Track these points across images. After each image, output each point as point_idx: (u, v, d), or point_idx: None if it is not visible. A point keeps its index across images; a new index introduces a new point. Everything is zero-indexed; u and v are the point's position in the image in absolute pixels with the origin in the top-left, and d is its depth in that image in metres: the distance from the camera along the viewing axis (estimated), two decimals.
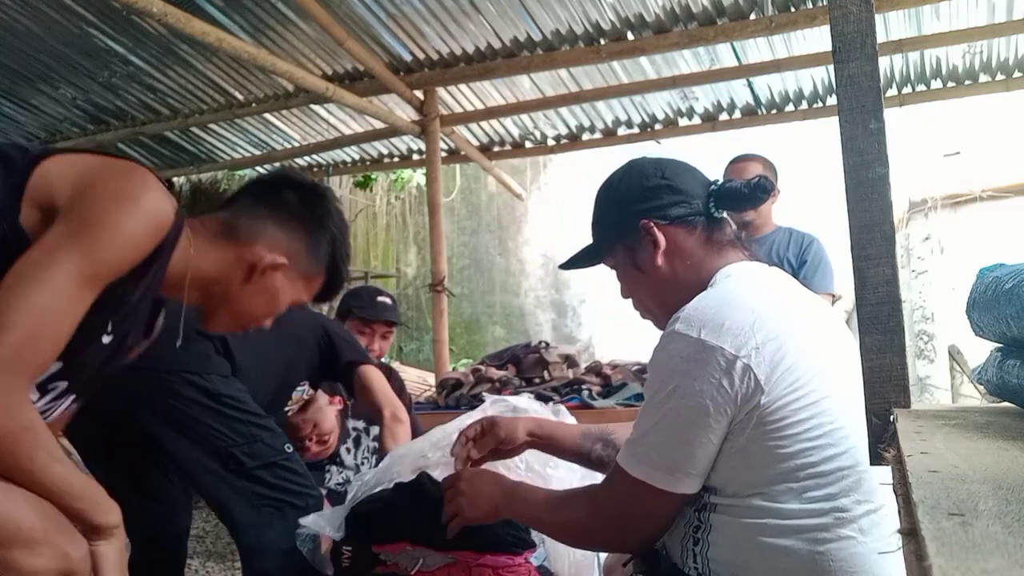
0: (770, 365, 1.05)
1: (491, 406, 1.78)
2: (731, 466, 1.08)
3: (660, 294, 1.28)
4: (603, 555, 1.57)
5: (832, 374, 1.11)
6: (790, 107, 5.01)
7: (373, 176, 7.08)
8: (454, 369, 4.91)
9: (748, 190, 1.25)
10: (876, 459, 0.89)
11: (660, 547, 1.23)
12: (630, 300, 1.36)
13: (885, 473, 1.04)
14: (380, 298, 2.71)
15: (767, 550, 1.06)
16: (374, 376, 2.20)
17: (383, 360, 2.87)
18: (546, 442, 1.53)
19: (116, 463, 1.84)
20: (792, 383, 1.05)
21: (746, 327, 1.06)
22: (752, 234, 2.97)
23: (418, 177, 6.85)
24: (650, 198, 1.26)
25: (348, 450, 2.75)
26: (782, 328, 1.08)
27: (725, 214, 1.30)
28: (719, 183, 1.28)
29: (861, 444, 1.06)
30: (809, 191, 4.67)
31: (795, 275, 2.84)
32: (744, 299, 1.12)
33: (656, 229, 1.24)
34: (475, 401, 3.34)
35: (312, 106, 5.23)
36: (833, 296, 2.96)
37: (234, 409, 1.74)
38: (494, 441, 1.50)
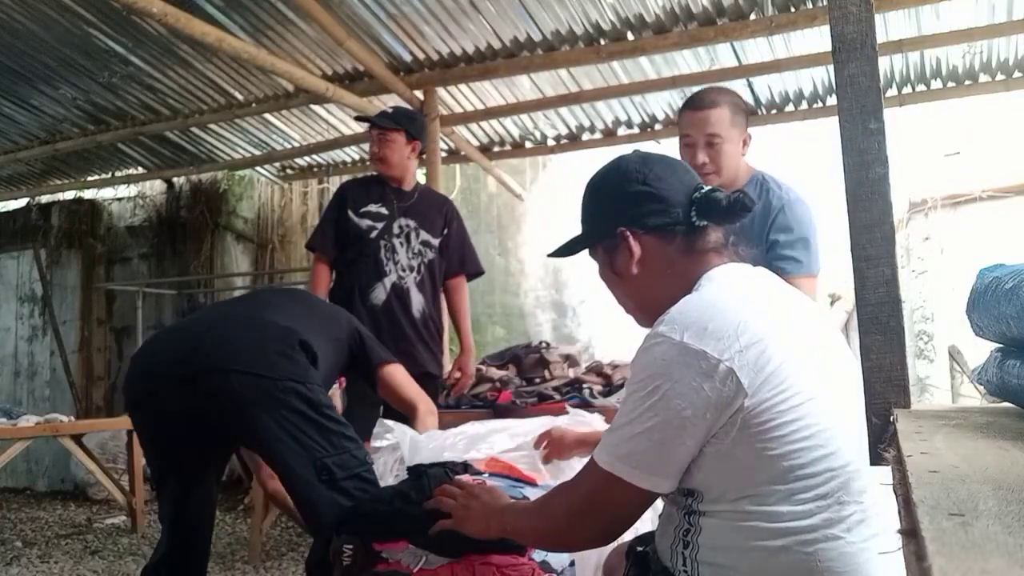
0: (754, 368, 1.04)
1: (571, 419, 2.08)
2: (718, 470, 1.08)
3: (638, 298, 1.29)
4: (606, 551, 1.57)
5: (819, 375, 1.10)
6: (790, 107, 5.01)
7: None
8: None
9: (727, 205, 1.21)
10: (876, 459, 0.89)
11: (650, 551, 1.24)
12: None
13: (875, 473, 1.04)
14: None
15: (757, 552, 1.06)
16: (400, 373, 2.31)
17: None
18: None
19: (188, 454, 1.97)
20: (777, 385, 1.05)
21: (730, 330, 1.05)
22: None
23: (418, 177, 6.84)
24: (629, 206, 1.24)
25: None
26: (767, 330, 1.07)
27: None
28: (702, 192, 1.23)
29: (849, 445, 1.07)
30: (809, 191, 4.66)
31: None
32: (729, 302, 1.12)
33: (632, 238, 1.23)
34: (475, 401, 3.35)
35: (312, 106, 5.23)
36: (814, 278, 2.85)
37: (329, 420, 1.85)
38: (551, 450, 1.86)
